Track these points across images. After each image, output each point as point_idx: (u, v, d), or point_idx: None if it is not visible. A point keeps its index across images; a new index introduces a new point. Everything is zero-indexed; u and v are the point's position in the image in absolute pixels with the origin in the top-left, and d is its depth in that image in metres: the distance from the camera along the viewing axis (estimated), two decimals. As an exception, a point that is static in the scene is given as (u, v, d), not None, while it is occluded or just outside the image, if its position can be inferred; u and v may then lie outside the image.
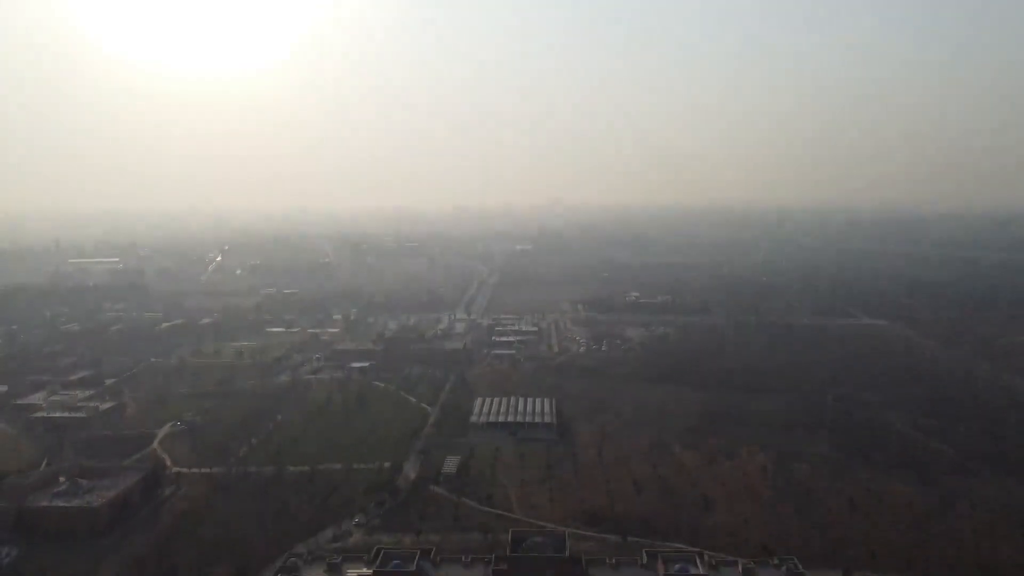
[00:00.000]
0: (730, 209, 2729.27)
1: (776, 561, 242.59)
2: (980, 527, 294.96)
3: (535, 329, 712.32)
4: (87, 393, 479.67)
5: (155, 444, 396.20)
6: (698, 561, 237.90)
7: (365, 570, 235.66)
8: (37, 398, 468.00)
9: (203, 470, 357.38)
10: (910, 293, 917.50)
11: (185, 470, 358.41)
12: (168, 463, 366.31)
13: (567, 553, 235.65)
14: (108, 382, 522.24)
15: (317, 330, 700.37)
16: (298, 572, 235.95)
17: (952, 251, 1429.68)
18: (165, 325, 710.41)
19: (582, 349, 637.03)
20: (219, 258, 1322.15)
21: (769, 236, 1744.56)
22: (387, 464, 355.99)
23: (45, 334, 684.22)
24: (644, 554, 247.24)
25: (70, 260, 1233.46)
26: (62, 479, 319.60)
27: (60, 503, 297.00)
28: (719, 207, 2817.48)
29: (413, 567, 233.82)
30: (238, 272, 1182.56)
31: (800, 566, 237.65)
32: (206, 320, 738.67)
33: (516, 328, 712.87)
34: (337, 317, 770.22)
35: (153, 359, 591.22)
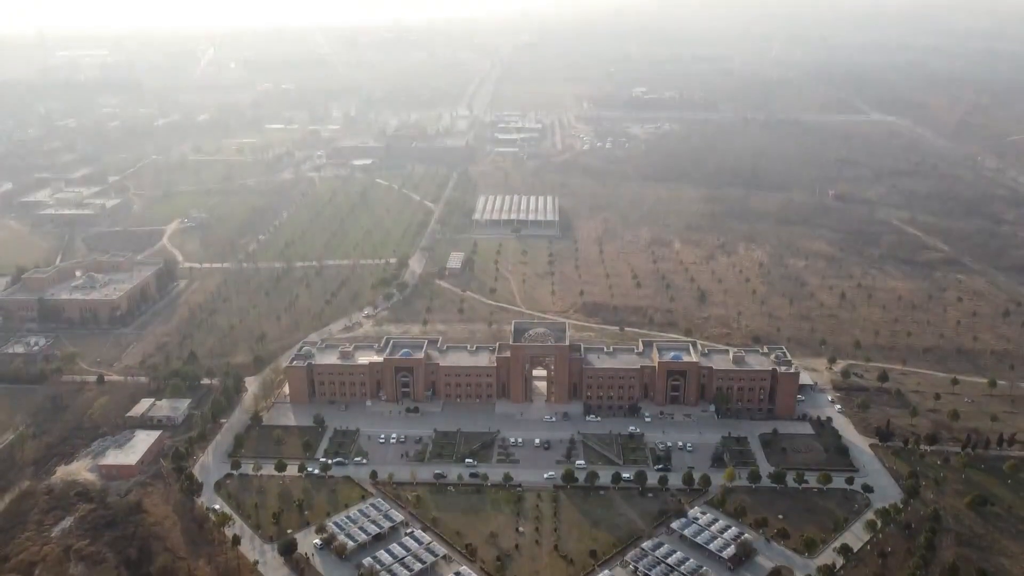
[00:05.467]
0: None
1: (765, 349, 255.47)
2: (964, 317, 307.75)
3: (538, 126, 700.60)
4: (92, 190, 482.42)
5: (164, 240, 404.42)
6: (691, 349, 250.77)
7: (376, 357, 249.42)
8: (43, 195, 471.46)
9: (213, 265, 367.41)
10: (924, 87, 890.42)
11: (196, 265, 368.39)
12: (179, 258, 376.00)
13: (567, 342, 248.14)
14: (111, 179, 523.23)
15: (317, 127, 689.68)
16: (312, 359, 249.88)
17: (971, 43, 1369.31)
18: (162, 121, 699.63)
19: (586, 146, 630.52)
20: (211, 51, 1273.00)
21: (783, 28, 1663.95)
22: (393, 260, 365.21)
23: (42, 130, 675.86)
24: (640, 343, 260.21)
25: (58, 53, 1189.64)
26: (79, 273, 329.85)
27: (79, 296, 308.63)
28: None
29: (421, 354, 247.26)
30: (232, 66, 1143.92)
31: (788, 353, 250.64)
32: (203, 116, 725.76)
33: (519, 125, 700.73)
34: (337, 114, 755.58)
35: (154, 156, 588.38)
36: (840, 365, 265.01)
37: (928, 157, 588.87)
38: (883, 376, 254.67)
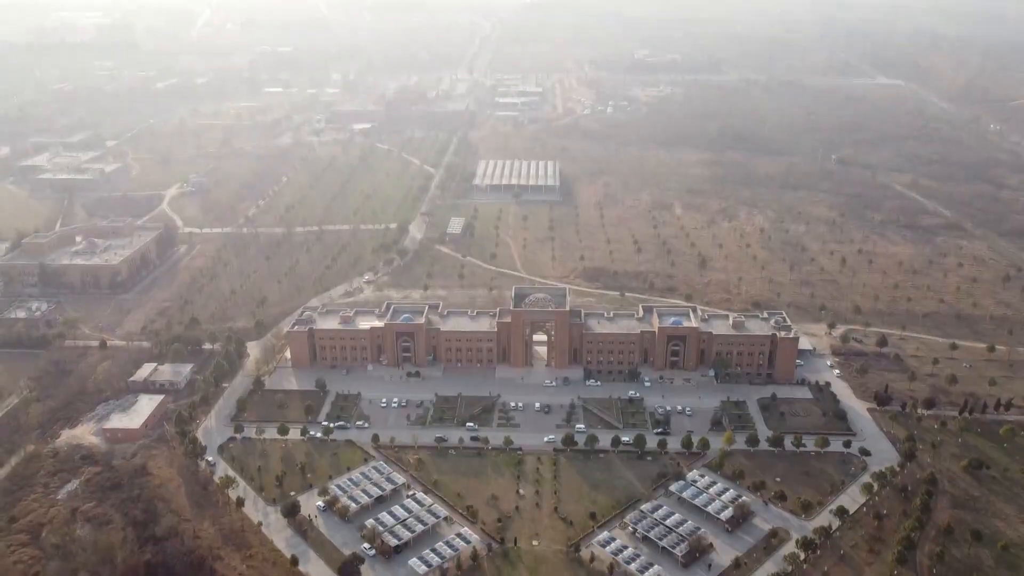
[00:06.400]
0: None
1: (764, 315, 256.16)
2: (964, 283, 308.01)
3: (539, 90, 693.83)
4: (90, 155, 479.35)
5: (164, 205, 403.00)
6: (691, 314, 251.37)
7: (377, 322, 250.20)
8: (41, 160, 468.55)
9: (214, 230, 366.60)
10: (929, 50, 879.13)
11: (196, 230, 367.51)
12: (179, 223, 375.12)
13: (567, 307, 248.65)
14: (109, 143, 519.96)
15: (315, 90, 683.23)
16: (314, 324, 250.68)
17: (979, 3, 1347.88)
18: (160, 85, 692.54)
19: (587, 110, 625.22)
20: (208, 12, 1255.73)
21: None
22: (393, 225, 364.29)
23: (38, 94, 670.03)
24: (640, 308, 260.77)
25: (53, 14, 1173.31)
26: (79, 238, 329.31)
27: (80, 261, 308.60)
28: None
29: (422, 319, 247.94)
30: (229, 27, 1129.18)
31: (787, 319, 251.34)
32: (201, 80, 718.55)
33: (520, 89, 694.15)
34: (336, 77, 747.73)
35: (152, 120, 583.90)
36: (840, 330, 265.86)
37: (931, 121, 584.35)
38: (882, 341, 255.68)
